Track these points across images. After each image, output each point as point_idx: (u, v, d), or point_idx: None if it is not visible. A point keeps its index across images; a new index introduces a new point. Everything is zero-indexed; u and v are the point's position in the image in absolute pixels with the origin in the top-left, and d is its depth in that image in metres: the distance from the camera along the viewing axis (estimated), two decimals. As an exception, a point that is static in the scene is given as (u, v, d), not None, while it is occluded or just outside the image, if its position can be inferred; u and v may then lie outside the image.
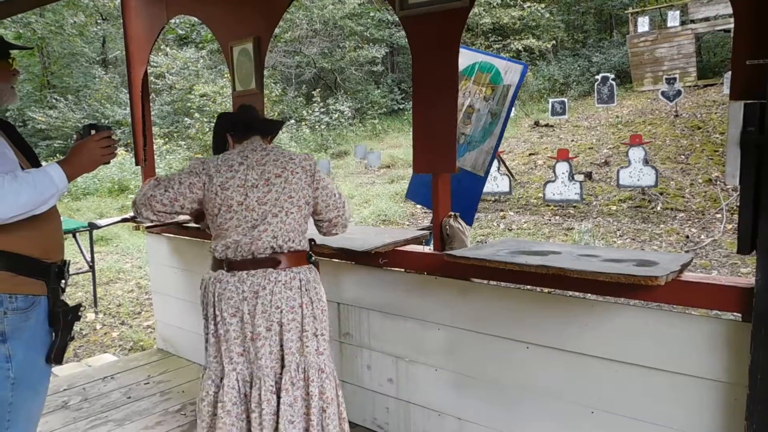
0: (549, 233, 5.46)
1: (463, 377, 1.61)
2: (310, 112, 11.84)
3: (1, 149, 1.12)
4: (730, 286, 1.19)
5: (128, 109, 2.89)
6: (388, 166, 9.17)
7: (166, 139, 11.00)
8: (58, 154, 10.74)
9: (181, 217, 1.91)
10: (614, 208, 6.06)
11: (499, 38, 13.18)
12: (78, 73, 13.41)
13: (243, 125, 1.43)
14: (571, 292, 1.41)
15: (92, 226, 3.93)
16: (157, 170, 2.95)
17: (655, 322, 1.27)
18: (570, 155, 6.54)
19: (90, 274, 3.98)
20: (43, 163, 1.20)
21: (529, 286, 1.52)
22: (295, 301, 1.38)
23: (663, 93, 8.64)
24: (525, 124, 10.00)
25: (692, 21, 10.72)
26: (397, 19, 2.22)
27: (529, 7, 12.80)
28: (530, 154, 8.17)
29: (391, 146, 10.52)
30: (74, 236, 3.85)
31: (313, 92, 12.33)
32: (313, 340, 1.41)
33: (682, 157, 6.97)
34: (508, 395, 1.52)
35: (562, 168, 6.25)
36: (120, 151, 9.01)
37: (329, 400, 1.42)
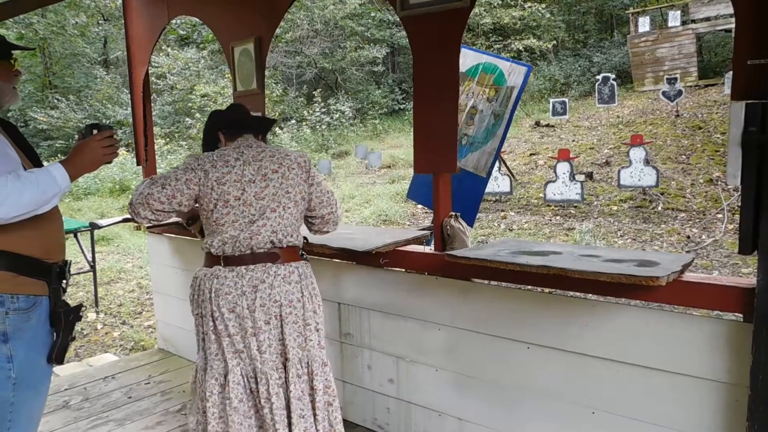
0: (550, 233, 5.46)
1: (463, 377, 1.61)
2: (311, 112, 11.84)
3: (4, 149, 1.12)
4: (731, 286, 1.19)
5: (129, 109, 2.90)
6: (389, 166, 9.17)
7: (168, 139, 11.02)
8: (59, 155, 10.76)
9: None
10: (615, 208, 6.05)
11: (500, 38, 13.17)
12: (79, 74, 13.44)
13: (235, 123, 1.44)
14: (571, 293, 1.41)
15: (93, 226, 3.95)
16: (158, 170, 2.95)
17: (656, 323, 1.27)
18: (571, 155, 6.54)
19: (91, 273, 3.98)
20: (45, 164, 1.21)
21: (529, 287, 1.52)
22: (293, 295, 1.38)
23: (664, 93, 8.63)
24: (526, 124, 9.99)
25: (693, 21, 10.71)
26: (398, 19, 2.22)
27: (529, 7, 12.79)
28: (531, 154, 8.17)
29: (392, 146, 10.52)
30: (75, 236, 3.85)
31: (314, 92, 12.34)
32: (315, 333, 1.42)
33: (683, 157, 6.96)
34: (509, 395, 1.52)
35: (563, 168, 6.25)
36: (121, 151, 9.02)
37: (334, 393, 1.42)
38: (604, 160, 7.33)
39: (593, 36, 13.80)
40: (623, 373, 1.31)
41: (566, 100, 9.70)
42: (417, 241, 1.83)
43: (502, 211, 6.38)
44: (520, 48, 12.58)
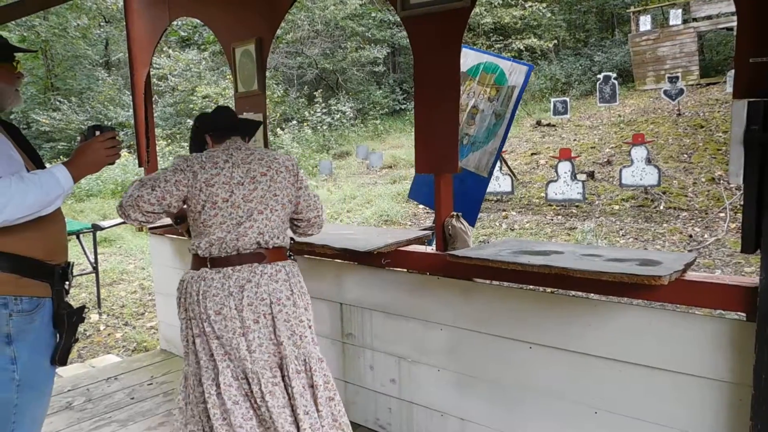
0: (551, 233, 5.45)
1: (465, 377, 1.61)
2: (312, 112, 11.85)
3: (7, 151, 1.12)
4: (734, 285, 1.18)
5: (131, 110, 2.91)
6: (390, 167, 9.17)
7: (169, 140, 11.04)
8: (61, 156, 10.80)
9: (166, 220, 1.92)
10: (617, 207, 6.04)
11: (501, 38, 13.16)
12: (81, 76, 13.48)
13: (222, 126, 1.45)
14: (573, 292, 1.41)
15: (96, 228, 3.96)
16: (159, 171, 2.96)
17: (659, 322, 1.26)
18: (572, 155, 6.52)
19: (93, 275, 4.00)
20: (47, 165, 1.21)
21: (531, 286, 1.52)
22: (282, 293, 1.39)
23: (665, 92, 8.60)
24: (527, 123, 9.98)
25: (694, 19, 10.67)
26: (399, 19, 2.22)
27: (530, 6, 12.78)
28: (532, 154, 8.16)
29: (393, 146, 10.52)
30: (78, 238, 3.87)
31: (314, 93, 12.35)
32: (308, 330, 1.42)
33: (685, 156, 6.94)
34: (511, 395, 1.52)
35: (565, 167, 6.23)
36: (123, 152, 9.02)
37: (334, 388, 1.43)
38: (605, 160, 7.31)
39: (594, 35, 13.77)
40: (626, 372, 1.31)
41: (567, 99, 9.67)
42: (419, 241, 1.83)
43: (504, 210, 6.37)
44: (521, 47, 12.56)
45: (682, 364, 1.24)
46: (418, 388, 1.74)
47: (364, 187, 8.10)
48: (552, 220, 5.91)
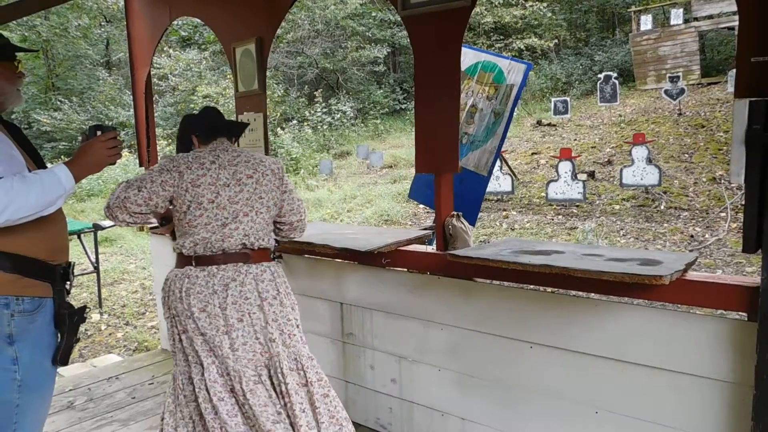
0: (552, 233, 5.44)
1: (466, 377, 1.61)
2: (313, 112, 11.85)
3: (9, 151, 1.12)
4: (735, 285, 1.18)
5: (132, 110, 2.91)
6: (391, 166, 9.17)
7: (170, 140, 11.04)
8: (62, 156, 10.80)
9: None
10: (617, 207, 6.03)
11: (501, 37, 13.14)
12: (82, 75, 13.49)
13: (209, 127, 1.45)
14: (574, 292, 1.40)
15: (97, 227, 3.96)
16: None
17: (659, 322, 1.26)
18: (573, 154, 6.52)
19: (95, 275, 4.00)
20: (49, 165, 1.21)
21: (532, 286, 1.51)
22: (269, 292, 1.39)
23: (666, 91, 8.59)
24: (527, 123, 9.97)
25: (696, 19, 10.65)
26: (399, 19, 2.22)
27: (531, 6, 12.76)
28: (533, 154, 8.15)
29: (394, 146, 10.51)
30: (79, 237, 3.87)
31: (315, 92, 12.34)
32: (296, 329, 1.44)
33: (686, 155, 6.93)
34: (512, 395, 1.52)
35: (565, 167, 6.23)
36: (124, 152, 9.02)
37: (328, 384, 1.44)
38: (606, 159, 7.30)
39: (595, 34, 13.74)
40: (626, 372, 1.31)
41: (568, 99, 9.66)
42: (419, 240, 1.83)
43: (504, 210, 6.37)
44: (522, 47, 12.55)
45: (682, 364, 1.23)
46: (418, 387, 1.74)
47: (364, 187, 8.10)
48: (552, 219, 5.90)
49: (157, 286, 2.82)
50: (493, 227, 5.81)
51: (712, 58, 11.34)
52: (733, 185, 5.77)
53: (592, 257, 1.35)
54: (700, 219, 5.39)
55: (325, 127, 11.73)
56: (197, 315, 1.34)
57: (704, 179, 6.25)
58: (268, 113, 2.23)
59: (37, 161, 1.23)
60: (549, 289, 1.50)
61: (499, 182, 6.64)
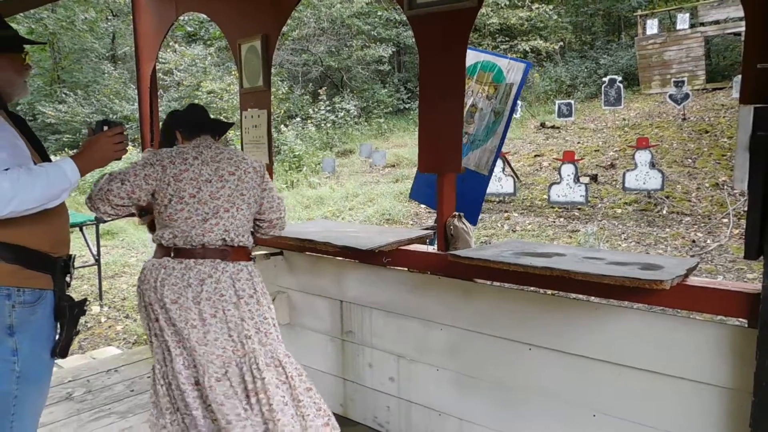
0: (553, 235, 5.44)
1: (464, 377, 1.61)
2: (316, 110, 11.85)
3: (14, 142, 1.13)
4: (736, 291, 1.18)
5: (136, 104, 2.92)
6: (393, 165, 9.16)
7: (173, 135, 11.02)
8: (66, 149, 10.84)
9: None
10: (619, 211, 6.02)
11: (507, 39, 13.11)
12: (88, 69, 13.52)
13: (193, 124, 1.47)
14: (574, 295, 1.40)
15: (99, 220, 3.98)
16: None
17: (659, 327, 1.26)
18: (576, 157, 6.51)
19: (96, 267, 4.02)
20: (53, 158, 1.22)
21: (532, 288, 1.52)
22: (245, 291, 1.41)
23: (671, 96, 8.56)
24: (531, 125, 9.95)
25: (702, 24, 10.61)
26: (405, 18, 2.22)
27: (537, 8, 12.72)
28: (535, 156, 8.14)
29: (397, 145, 10.51)
30: (81, 230, 3.89)
31: (319, 90, 12.34)
32: (273, 327, 1.45)
33: (689, 160, 6.90)
34: (510, 396, 1.52)
35: (568, 170, 6.22)
36: (128, 146, 9.04)
37: (309, 379, 1.45)
38: (609, 163, 7.28)
39: (600, 38, 13.69)
40: (625, 376, 1.31)
41: (572, 101, 9.65)
42: (420, 240, 1.83)
43: (506, 212, 6.36)
44: (527, 49, 12.52)
45: (681, 369, 1.23)
46: (417, 387, 1.74)
47: (366, 186, 8.10)
48: (554, 222, 5.89)
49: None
50: (494, 228, 5.81)
51: (717, 63, 11.29)
52: (736, 191, 5.75)
53: (593, 260, 1.35)
54: (702, 224, 5.37)
55: (328, 125, 11.73)
56: (169, 306, 1.36)
57: (707, 184, 6.23)
58: (272, 110, 2.23)
59: (41, 153, 1.23)
60: (549, 292, 1.50)
61: (501, 184, 6.63)
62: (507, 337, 1.51)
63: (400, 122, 12.65)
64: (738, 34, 9.98)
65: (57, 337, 1.20)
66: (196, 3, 2.48)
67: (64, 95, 12.22)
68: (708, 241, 4.90)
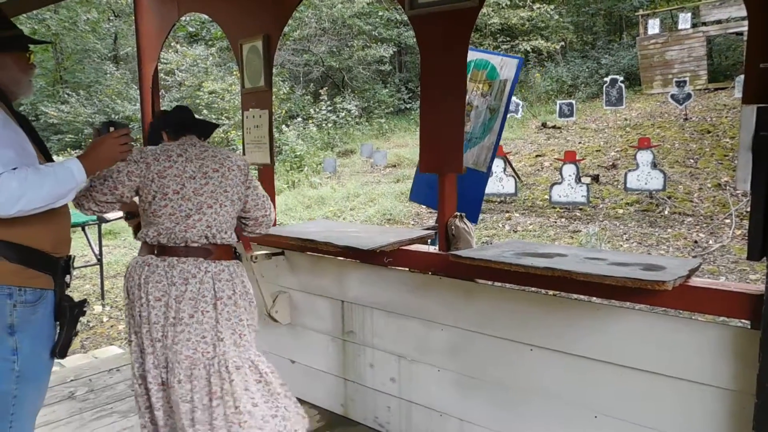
0: (555, 235, 5.43)
1: (465, 378, 1.61)
2: (318, 110, 11.86)
3: (22, 142, 1.13)
4: (738, 292, 1.18)
5: (138, 104, 2.93)
6: (394, 166, 9.16)
7: (174, 135, 11.03)
8: (69, 149, 10.86)
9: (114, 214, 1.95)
10: (621, 211, 6.01)
11: (508, 39, 13.10)
12: (90, 69, 13.56)
13: (179, 124, 1.49)
14: (576, 295, 1.40)
15: (101, 220, 3.98)
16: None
17: (661, 327, 1.26)
18: (577, 157, 6.50)
19: (98, 267, 4.03)
20: (55, 158, 1.22)
21: (533, 288, 1.51)
22: (224, 292, 1.41)
23: (673, 96, 8.54)
24: (532, 125, 9.94)
25: (704, 23, 10.58)
26: (406, 18, 2.22)
27: (538, 8, 12.71)
28: (537, 156, 8.12)
29: (398, 145, 10.51)
30: (83, 229, 3.90)
31: (320, 90, 12.35)
32: (247, 329, 1.46)
33: (691, 161, 6.89)
34: (511, 397, 1.52)
35: (569, 170, 6.21)
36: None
37: (279, 377, 1.46)
38: (610, 163, 7.27)
39: (602, 38, 13.66)
40: (626, 377, 1.30)
41: (573, 101, 9.63)
42: (421, 240, 1.83)
43: (507, 212, 6.35)
44: (528, 49, 12.50)
45: (683, 371, 1.23)
46: (417, 387, 1.74)
47: (367, 186, 8.10)
48: (555, 222, 5.88)
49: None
50: (495, 229, 5.80)
51: (719, 63, 11.25)
52: (738, 192, 5.73)
53: (594, 261, 1.35)
54: (705, 225, 5.35)
55: (329, 125, 11.74)
56: (152, 303, 1.37)
57: (709, 185, 6.21)
58: (273, 110, 2.23)
59: (44, 153, 1.24)
60: (551, 292, 1.50)
61: (502, 184, 6.63)
62: (508, 337, 1.51)
63: (401, 122, 12.65)
64: (740, 33, 9.95)
65: (56, 337, 1.20)
66: (198, 3, 2.48)
67: (66, 95, 12.26)
68: (710, 242, 4.89)
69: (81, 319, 1.26)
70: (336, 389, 1.97)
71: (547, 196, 6.46)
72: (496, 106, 2.35)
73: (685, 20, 10.59)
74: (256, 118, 2.23)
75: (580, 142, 8.34)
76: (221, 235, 1.44)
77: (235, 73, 10.59)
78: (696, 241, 4.94)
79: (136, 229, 1.53)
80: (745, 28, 1.15)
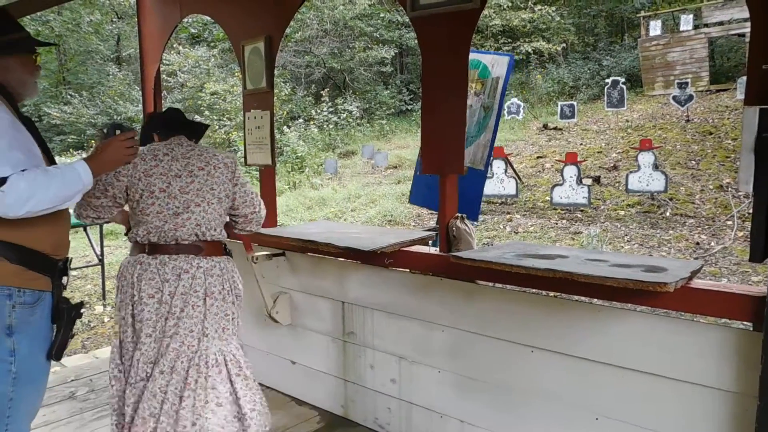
0: (556, 237, 5.42)
1: (466, 379, 1.61)
2: (319, 111, 11.88)
3: (28, 145, 1.14)
4: (740, 294, 1.17)
5: (140, 106, 2.94)
6: (395, 167, 9.17)
7: (176, 136, 11.04)
8: (71, 150, 10.91)
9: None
10: (622, 212, 6.00)
11: (509, 40, 13.11)
12: (93, 70, 13.62)
13: (168, 125, 1.51)
14: (577, 297, 1.40)
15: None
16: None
17: (663, 329, 1.25)
18: (578, 159, 6.49)
19: (99, 267, 4.04)
20: (58, 159, 1.22)
21: (535, 290, 1.51)
22: (214, 287, 1.43)
23: (674, 97, 8.53)
24: (533, 126, 9.93)
25: (706, 25, 10.57)
26: (407, 20, 2.23)
27: (539, 9, 12.72)
28: (538, 157, 8.12)
29: (399, 147, 10.51)
30: (85, 230, 3.91)
31: (322, 92, 12.37)
32: (231, 323, 1.47)
33: (693, 162, 6.87)
34: (512, 399, 1.51)
35: (570, 171, 6.20)
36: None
37: (252, 376, 1.48)
38: (612, 164, 7.26)
39: (603, 39, 13.66)
40: (627, 379, 1.30)
41: (575, 103, 9.62)
42: (422, 241, 1.83)
43: (508, 213, 6.35)
44: (529, 50, 12.51)
45: (685, 373, 1.22)
46: (418, 388, 1.73)
47: (368, 187, 8.11)
48: (557, 224, 5.87)
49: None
50: (496, 230, 5.80)
51: (721, 64, 11.23)
52: (740, 193, 5.72)
53: (596, 262, 1.35)
54: (706, 226, 5.34)
55: (331, 126, 11.75)
56: (146, 300, 1.39)
57: (711, 186, 6.20)
58: (274, 111, 2.24)
59: (47, 155, 1.24)
60: (552, 294, 1.49)
61: (503, 185, 6.62)
62: (509, 339, 1.50)
63: (403, 124, 12.66)
64: (742, 35, 9.94)
65: (53, 338, 1.20)
66: (200, 5, 2.49)
67: (69, 96, 12.32)
68: (712, 244, 4.87)
69: (78, 321, 1.26)
70: (336, 390, 1.97)
71: (548, 198, 6.46)
72: (489, 103, 2.36)
73: (686, 22, 10.58)
74: (257, 119, 2.24)
75: (581, 144, 8.33)
76: (211, 232, 1.46)
77: (236, 74, 10.62)
78: (698, 243, 4.92)
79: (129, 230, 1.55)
80: (747, 30, 1.15)
